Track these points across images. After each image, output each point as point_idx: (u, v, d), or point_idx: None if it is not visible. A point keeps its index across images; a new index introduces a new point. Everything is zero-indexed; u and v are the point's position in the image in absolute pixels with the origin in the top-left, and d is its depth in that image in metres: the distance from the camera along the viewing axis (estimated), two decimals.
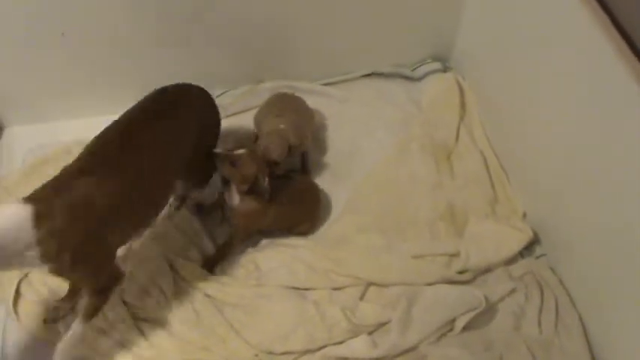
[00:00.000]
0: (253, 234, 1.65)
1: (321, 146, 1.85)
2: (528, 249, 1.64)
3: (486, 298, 1.51)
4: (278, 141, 1.57)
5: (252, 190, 1.51)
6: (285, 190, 1.59)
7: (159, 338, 1.47)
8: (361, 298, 1.55)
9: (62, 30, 1.66)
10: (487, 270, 1.60)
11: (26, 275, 1.56)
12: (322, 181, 1.77)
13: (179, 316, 1.49)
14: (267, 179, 1.49)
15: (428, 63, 2.00)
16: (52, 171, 1.70)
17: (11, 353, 1.47)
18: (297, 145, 1.62)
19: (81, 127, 1.81)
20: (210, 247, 1.63)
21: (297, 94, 1.83)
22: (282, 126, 1.60)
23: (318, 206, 1.69)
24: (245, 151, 1.50)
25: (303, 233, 1.67)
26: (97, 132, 1.76)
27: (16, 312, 1.51)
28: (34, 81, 1.78)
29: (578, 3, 1.36)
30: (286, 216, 1.61)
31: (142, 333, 1.47)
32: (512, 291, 1.55)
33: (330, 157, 1.83)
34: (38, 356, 1.46)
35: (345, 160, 1.82)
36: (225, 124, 1.77)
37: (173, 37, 1.77)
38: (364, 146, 1.84)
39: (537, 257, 1.63)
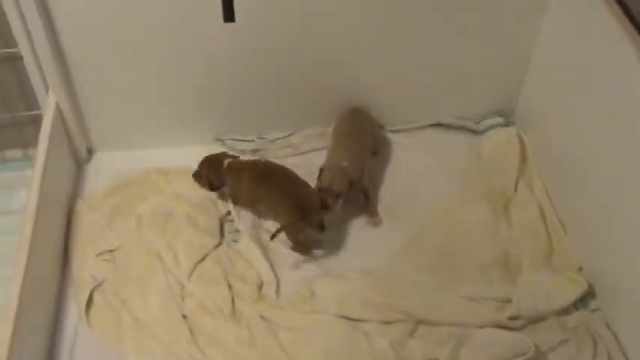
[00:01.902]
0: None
1: (381, 188, 1.93)
2: (583, 302, 1.63)
3: (536, 347, 1.52)
4: (341, 177, 1.72)
5: None
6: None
7: (214, 353, 1.54)
8: (411, 334, 1.58)
9: (157, 64, 1.83)
10: (539, 319, 1.60)
11: (100, 284, 1.68)
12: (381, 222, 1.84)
13: (235, 334, 1.57)
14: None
15: (491, 117, 2.07)
16: (131, 193, 1.90)
17: (80, 358, 1.57)
18: (357, 180, 1.75)
19: (162, 156, 1.99)
20: (268, 272, 1.70)
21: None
22: (344, 163, 1.73)
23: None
24: None
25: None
26: (176, 161, 1.95)
27: (88, 319, 1.63)
28: (124, 111, 1.95)
29: None
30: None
31: (198, 346, 1.55)
32: (564, 341, 1.55)
33: (389, 199, 1.89)
34: None
35: (403, 203, 1.88)
36: (295, 160, 1.94)
37: (250, 80, 1.91)
38: (423, 191, 1.91)
39: (592, 311, 1.62)
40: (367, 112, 1.96)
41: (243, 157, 1.94)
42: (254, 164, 1.83)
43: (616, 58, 1.53)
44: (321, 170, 1.77)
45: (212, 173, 1.81)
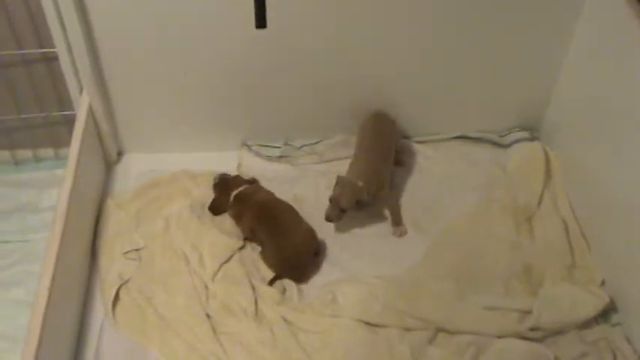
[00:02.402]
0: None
1: (405, 197, 1.95)
2: (604, 316, 1.64)
3: (556, 358, 1.52)
4: (349, 194, 1.76)
5: None
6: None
7: (236, 353, 1.57)
8: (430, 342, 1.59)
9: (185, 70, 1.87)
10: (559, 331, 1.60)
11: (126, 282, 1.72)
12: None
13: (257, 335, 1.59)
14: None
15: (516, 131, 2.08)
16: (158, 194, 1.94)
17: (106, 352, 1.61)
18: (369, 201, 1.79)
19: (188, 160, 2.03)
20: None
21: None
22: (360, 183, 1.77)
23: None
24: None
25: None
26: (203, 165, 1.98)
27: (113, 315, 1.66)
28: (154, 114, 2.00)
29: None
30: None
31: (221, 346, 1.58)
32: (584, 355, 1.55)
33: (413, 209, 1.91)
34: (129, 357, 1.59)
35: (427, 213, 1.90)
36: (321, 168, 1.96)
37: (278, 87, 1.95)
38: (446, 202, 1.92)
39: (613, 325, 1.62)
40: (391, 121, 1.98)
41: (269, 164, 1.98)
42: (256, 203, 1.82)
43: None
44: (337, 181, 1.80)
45: (220, 198, 1.86)
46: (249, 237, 1.82)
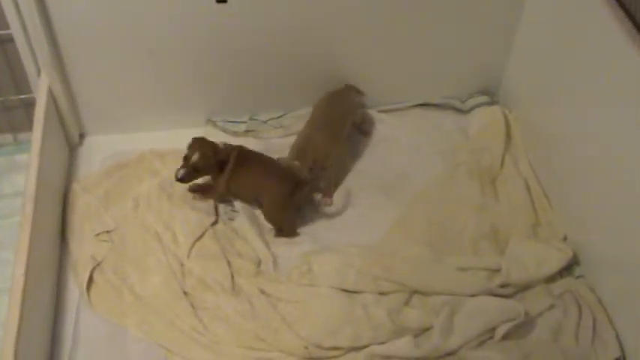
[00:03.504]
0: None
1: (373, 166, 1.98)
2: (568, 269, 1.71)
3: (525, 312, 1.59)
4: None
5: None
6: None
7: (217, 327, 1.58)
8: (406, 304, 1.64)
9: (149, 47, 1.85)
10: (527, 286, 1.67)
11: (99, 264, 1.70)
12: (374, 199, 1.89)
13: (237, 308, 1.61)
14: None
15: (477, 96, 2.13)
16: (126, 175, 1.92)
17: (84, 333, 1.60)
18: (309, 180, 1.79)
19: (153, 138, 2.01)
20: (264, 250, 1.75)
21: None
22: (296, 162, 1.79)
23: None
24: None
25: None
26: (171, 143, 1.96)
27: (89, 298, 1.65)
28: (116, 94, 1.97)
29: (630, 41, 1.47)
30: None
31: (201, 321, 1.59)
32: (551, 307, 1.62)
33: (382, 178, 1.95)
34: (108, 337, 1.59)
35: (396, 181, 1.94)
36: (287, 141, 1.96)
37: (241, 62, 1.94)
38: (415, 169, 1.96)
39: (577, 277, 1.70)
40: (346, 100, 1.99)
41: (235, 139, 1.98)
42: (234, 149, 1.80)
43: (600, 34, 1.60)
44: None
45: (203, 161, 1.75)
46: (245, 197, 1.82)
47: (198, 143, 1.75)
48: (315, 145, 1.83)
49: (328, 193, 1.83)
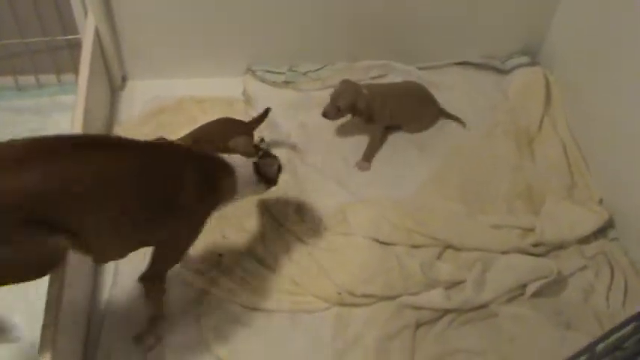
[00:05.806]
0: None
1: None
2: (602, 232, 1.72)
3: (558, 271, 1.61)
4: (348, 95, 1.84)
5: None
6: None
7: (254, 268, 1.62)
8: (438, 257, 1.67)
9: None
10: (560, 246, 1.69)
11: None
12: (409, 155, 1.91)
13: (274, 253, 1.65)
14: None
15: (517, 56, 2.11)
16: (165, 120, 1.95)
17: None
18: (364, 112, 1.86)
19: (192, 85, 2.03)
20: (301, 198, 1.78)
21: (391, 74, 2.02)
22: (364, 91, 1.85)
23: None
24: None
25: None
26: (207, 91, 1.99)
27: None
28: (159, 37, 1.98)
29: None
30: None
31: (239, 265, 1.63)
32: (583, 268, 1.65)
33: (417, 134, 1.96)
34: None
35: (431, 137, 1.95)
36: (325, 94, 1.94)
37: (283, 12, 1.95)
38: (452, 126, 1.97)
39: (611, 240, 1.71)
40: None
41: (274, 90, 2.00)
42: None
43: None
44: (342, 81, 1.88)
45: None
46: None
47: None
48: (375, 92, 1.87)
49: (369, 157, 1.88)
